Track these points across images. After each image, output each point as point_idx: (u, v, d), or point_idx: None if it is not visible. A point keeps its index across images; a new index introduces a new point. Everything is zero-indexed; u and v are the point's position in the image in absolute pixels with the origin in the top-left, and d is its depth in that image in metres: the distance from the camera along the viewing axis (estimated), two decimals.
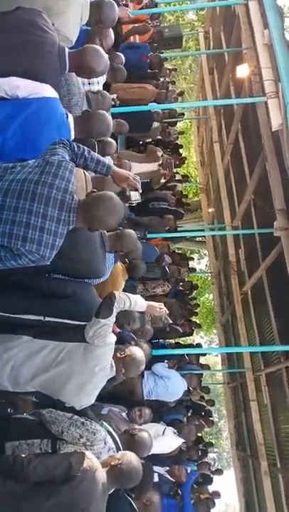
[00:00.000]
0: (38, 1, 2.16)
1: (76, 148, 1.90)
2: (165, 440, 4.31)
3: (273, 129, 4.13)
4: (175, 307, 5.51)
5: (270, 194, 4.93)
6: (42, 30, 1.95)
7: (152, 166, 5.64)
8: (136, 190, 2.33)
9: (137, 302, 2.27)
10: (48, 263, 1.72)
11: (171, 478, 4.38)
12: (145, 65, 6.06)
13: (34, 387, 2.08)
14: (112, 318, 2.09)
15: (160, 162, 5.73)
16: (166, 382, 4.63)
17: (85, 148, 1.94)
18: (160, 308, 2.56)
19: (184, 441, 4.61)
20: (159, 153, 5.86)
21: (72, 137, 2.05)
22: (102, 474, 1.82)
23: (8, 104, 1.87)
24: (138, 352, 2.31)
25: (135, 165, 4.96)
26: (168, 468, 4.42)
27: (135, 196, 2.57)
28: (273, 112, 4.09)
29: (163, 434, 4.32)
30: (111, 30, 2.61)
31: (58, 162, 1.74)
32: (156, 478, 4.07)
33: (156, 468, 4.25)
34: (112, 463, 1.92)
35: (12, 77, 1.88)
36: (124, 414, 3.06)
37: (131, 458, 1.98)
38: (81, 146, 1.93)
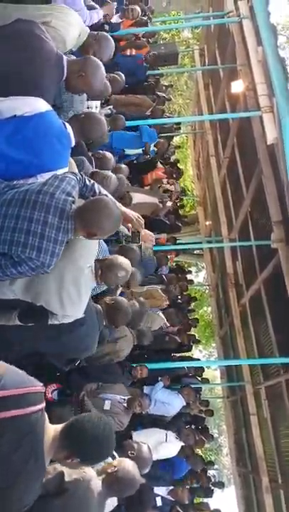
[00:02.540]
0: (41, 8, 2.24)
1: (87, 181, 1.99)
2: (168, 446, 4.40)
3: (269, 143, 4.19)
4: (173, 316, 5.53)
5: (266, 206, 4.97)
6: (39, 39, 1.99)
7: (153, 200, 5.74)
8: (138, 233, 2.37)
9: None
10: (48, 271, 1.73)
11: (172, 499, 4.33)
12: (142, 68, 6.20)
13: (14, 291, 1.91)
14: None
15: (161, 200, 5.87)
16: (165, 406, 4.78)
17: (95, 182, 2.03)
18: (151, 236, 2.54)
19: (183, 444, 4.65)
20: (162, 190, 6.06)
21: (73, 144, 2.07)
22: (96, 484, 1.77)
23: (8, 125, 1.89)
24: (123, 260, 2.20)
25: (137, 195, 5.05)
26: (171, 488, 4.39)
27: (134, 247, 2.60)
28: (268, 125, 4.16)
29: (166, 440, 4.39)
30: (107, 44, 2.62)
31: (62, 177, 1.83)
32: (159, 503, 4.08)
33: (158, 489, 4.25)
34: (109, 470, 1.87)
35: (9, 100, 1.90)
36: (124, 404, 3.03)
37: (128, 465, 1.94)
38: (91, 180, 2.02)
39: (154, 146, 6.06)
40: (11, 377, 1.30)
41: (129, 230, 2.43)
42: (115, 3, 4.06)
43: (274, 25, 4.58)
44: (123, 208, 2.17)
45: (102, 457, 1.49)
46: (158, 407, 4.71)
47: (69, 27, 2.28)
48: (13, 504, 1.26)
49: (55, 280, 1.89)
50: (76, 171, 2.17)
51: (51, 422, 1.40)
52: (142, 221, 2.32)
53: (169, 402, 4.81)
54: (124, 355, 3.16)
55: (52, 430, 1.40)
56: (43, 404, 1.36)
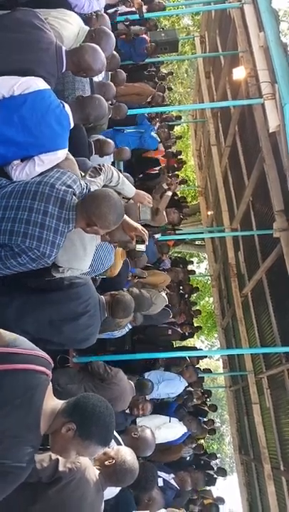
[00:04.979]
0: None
1: (92, 189, 1.98)
2: (172, 428, 4.38)
3: (271, 131, 4.14)
4: (174, 299, 5.53)
5: (268, 195, 4.94)
6: (38, 29, 1.98)
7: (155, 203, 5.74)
8: (143, 242, 2.33)
9: (125, 183, 2.24)
10: (50, 262, 1.72)
11: (176, 485, 4.34)
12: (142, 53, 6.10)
13: None
14: (99, 181, 2.08)
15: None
16: (167, 383, 4.69)
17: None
18: (149, 197, 2.52)
19: (186, 430, 4.65)
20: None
21: (72, 125, 2.05)
22: (92, 474, 1.74)
23: (4, 103, 1.86)
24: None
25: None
26: (173, 476, 4.40)
27: (140, 249, 2.54)
28: (270, 113, 4.10)
29: (169, 422, 4.38)
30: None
31: (63, 171, 1.83)
32: (160, 483, 4.07)
33: (161, 474, 4.25)
34: (106, 462, 1.85)
35: (5, 78, 1.87)
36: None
37: (126, 455, 1.91)
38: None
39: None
40: (24, 342, 1.41)
41: (132, 240, 2.34)
42: None
43: (276, 10, 4.50)
44: (126, 218, 2.13)
45: (100, 433, 1.42)
46: (159, 388, 4.61)
47: (66, 24, 2.29)
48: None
49: None
50: (78, 173, 2.14)
51: None
52: (147, 233, 2.29)
53: (170, 378, 4.78)
54: (125, 324, 3.16)
55: (54, 402, 1.43)
56: (49, 371, 1.42)
